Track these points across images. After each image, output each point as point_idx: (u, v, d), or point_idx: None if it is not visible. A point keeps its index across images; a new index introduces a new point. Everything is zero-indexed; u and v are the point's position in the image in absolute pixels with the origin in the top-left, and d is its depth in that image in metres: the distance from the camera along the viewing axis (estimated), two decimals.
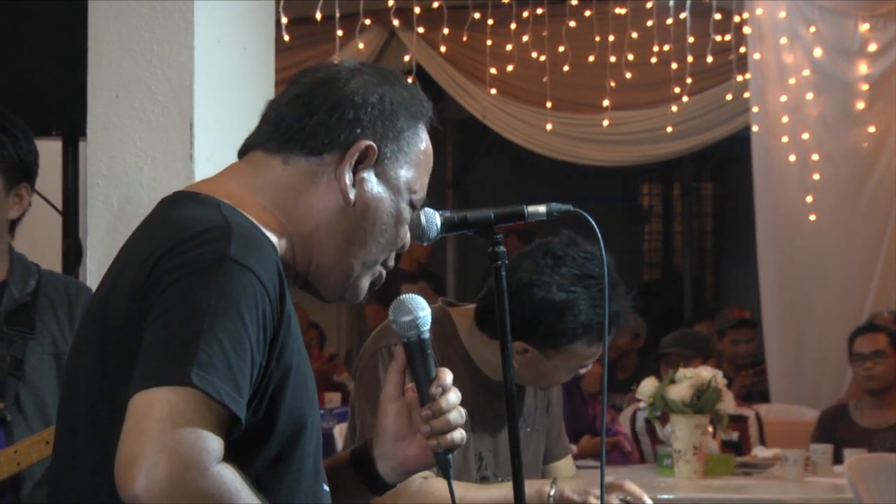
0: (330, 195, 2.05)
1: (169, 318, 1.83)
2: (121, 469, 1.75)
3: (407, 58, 8.46)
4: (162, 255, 1.88)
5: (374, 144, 2.05)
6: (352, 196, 2.05)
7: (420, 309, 2.13)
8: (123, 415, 1.78)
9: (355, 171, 2.05)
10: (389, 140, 2.07)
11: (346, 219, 2.05)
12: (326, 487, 2.07)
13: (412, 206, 2.12)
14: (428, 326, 2.14)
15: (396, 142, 2.08)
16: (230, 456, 1.81)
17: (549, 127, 8.72)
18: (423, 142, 2.12)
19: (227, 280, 1.84)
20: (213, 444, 1.77)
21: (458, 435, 2.14)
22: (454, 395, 2.15)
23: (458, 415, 2.14)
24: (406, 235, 2.13)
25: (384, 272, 2.14)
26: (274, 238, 2.01)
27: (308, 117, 2.05)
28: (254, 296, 1.85)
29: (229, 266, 1.85)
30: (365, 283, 2.12)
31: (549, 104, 8.55)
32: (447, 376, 2.15)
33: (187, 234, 1.89)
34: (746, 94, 8.18)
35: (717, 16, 8.04)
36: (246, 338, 1.83)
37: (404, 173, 2.09)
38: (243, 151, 2.12)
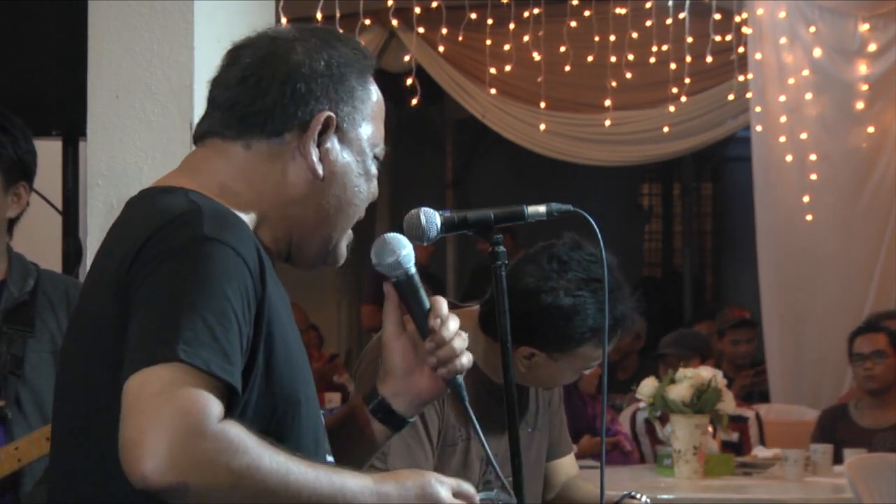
0: (298, 171, 2.05)
1: (151, 303, 1.83)
2: (125, 453, 1.75)
3: (407, 58, 8.45)
4: (141, 246, 1.88)
5: (332, 114, 2.05)
6: (320, 170, 2.05)
7: (402, 247, 2.14)
8: (117, 407, 1.78)
9: (319, 143, 2.05)
10: (344, 103, 2.07)
11: (319, 191, 2.06)
12: (330, 458, 2.07)
13: (377, 158, 2.12)
14: (413, 262, 2.15)
15: (351, 102, 2.08)
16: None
17: (542, 127, 8.71)
18: (374, 94, 2.12)
19: (204, 257, 1.85)
20: (210, 407, 1.76)
21: (466, 359, 2.17)
22: (453, 323, 2.17)
23: (461, 341, 2.17)
24: (375, 188, 2.14)
25: (352, 235, 2.15)
26: (248, 219, 2.01)
27: (261, 98, 2.04)
28: (234, 269, 1.86)
29: (206, 244, 1.86)
30: (343, 246, 2.13)
31: (543, 104, 8.54)
32: (443, 305, 2.16)
33: (160, 223, 1.90)
34: (748, 95, 8.18)
35: (717, 16, 8.04)
36: (230, 309, 1.83)
37: (364, 131, 2.10)
38: (198, 138, 2.11)
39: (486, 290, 3.04)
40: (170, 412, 1.73)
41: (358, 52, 2.11)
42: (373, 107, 2.11)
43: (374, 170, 2.12)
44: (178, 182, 2.03)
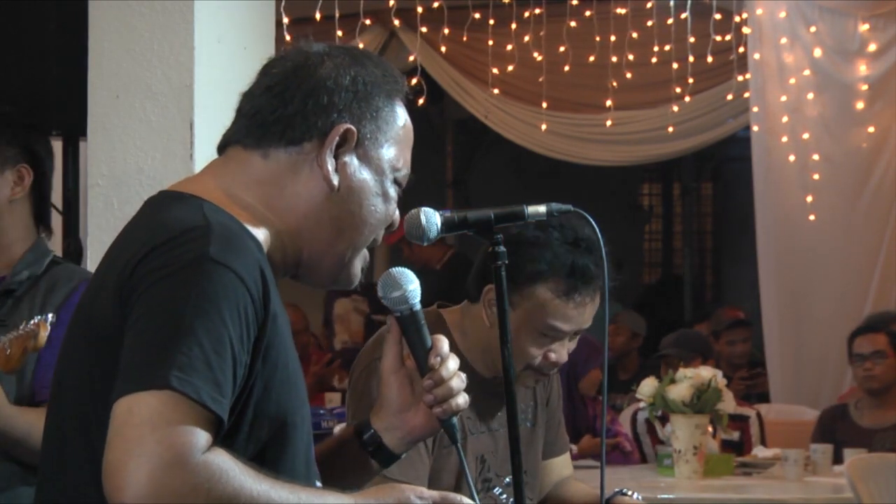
0: (314, 183, 2.04)
1: (148, 321, 1.82)
2: (107, 479, 1.75)
3: (412, 58, 8.45)
4: (143, 257, 1.88)
5: (352, 127, 2.04)
6: (336, 181, 2.04)
7: (409, 282, 2.14)
8: (107, 417, 1.78)
9: (337, 156, 2.04)
10: (367, 121, 2.06)
11: (333, 205, 2.05)
12: (319, 484, 2.06)
13: (397, 183, 2.11)
14: (418, 299, 2.16)
15: (374, 122, 2.07)
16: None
17: (543, 127, 8.72)
18: (402, 118, 2.11)
19: (206, 279, 1.83)
20: (194, 438, 1.76)
21: (462, 399, 2.17)
22: (453, 363, 2.16)
23: (459, 381, 2.17)
24: (395, 213, 2.13)
25: (368, 256, 2.14)
26: (261, 234, 2.01)
27: (283, 108, 2.04)
28: (234, 294, 1.84)
29: (208, 265, 1.84)
30: (357, 267, 2.12)
31: (545, 104, 8.55)
32: (444, 344, 2.16)
33: (168, 235, 1.89)
34: (747, 94, 8.19)
35: (717, 16, 8.04)
36: (227, 336, 1.82)
37: (386, 152, 2.08)
38: (222, 147, 2.11)
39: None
40: (154, 442, 1.74)
41: (389, 75, 2.11)
42: (398, 131, 2.10)
43: (392, 192, 2.10)
44: (197, 189, 2.02)
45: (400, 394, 2.21)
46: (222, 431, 1.82)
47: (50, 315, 2.94)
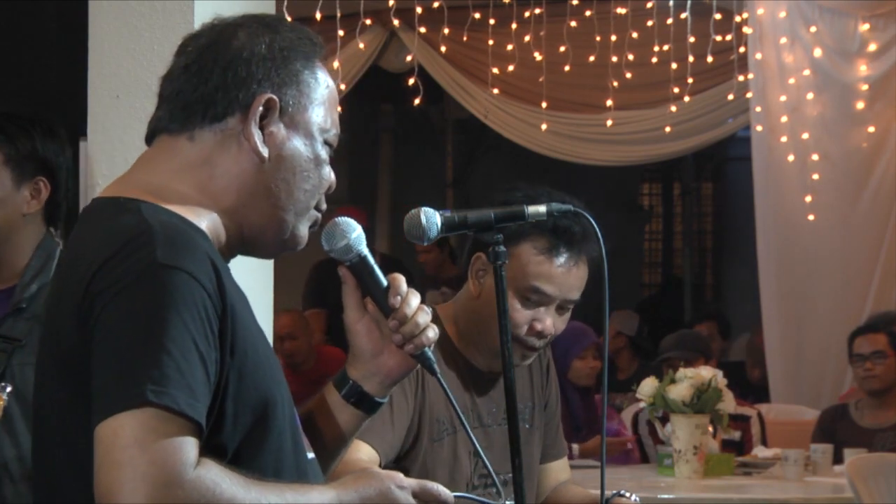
0: (244, 157, 2.02)
1: (113, 340, 1.81)
2: (102, 503, 1.76)
3: (409, 58, 8.45)
4: (94, 274, 1.86)
5: (273, 96, 2.02)
6: (265, 152, 2.02)
7: (352, 230, 2.14)
8: (91, 437, 1.78)
9: (262, 127, 2.02)
10: (288, 87, 2.04)
11: (266, 176, 2.03)
12: (311, 455, 2.07)
13: (328, 145, 2.09)
14: (363, 244, 2.15)
15: (296, 86, 2.05)
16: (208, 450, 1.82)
17: (543, 127, 8.72)
18: (323, 79, 2.09)
19: (159, 287, 1.82)
20: (184, 454, 1.77)
21: (431, 332, 2.16)
22: (415, 299, 2.15)
23: (424, 315, 2.15)
24: (330, 175, 2.11)
25: (319, 216, 2.12)
26: (203, 223, 1.99)
27: (203, 85, 2.02)
28: (190, 294, 1.84)
29: (159, 271, 1.83)
30: (303, 229, 2.10)
31: (545, 104, 8.55)
32: (401, 283, 2.15)
33: (113, 248, 1.87)
34: (748, 94, 8.19)
35: (718, 16, 8.04)
36: (190, 339, 1.81)
37: (312, 115, 2.06)
38: (150, 137, 2.08)
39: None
40: (146, 463, 1.74)
41: (305, 38, 2.09)
42: (322, 92, 2.08)
43: (324, 155, 2.08)
44: (130, 191, 1.99)
45: (369, 340, 2.20)
46: (203, 435, 1.83)
47: (9, 387, 2.91)
